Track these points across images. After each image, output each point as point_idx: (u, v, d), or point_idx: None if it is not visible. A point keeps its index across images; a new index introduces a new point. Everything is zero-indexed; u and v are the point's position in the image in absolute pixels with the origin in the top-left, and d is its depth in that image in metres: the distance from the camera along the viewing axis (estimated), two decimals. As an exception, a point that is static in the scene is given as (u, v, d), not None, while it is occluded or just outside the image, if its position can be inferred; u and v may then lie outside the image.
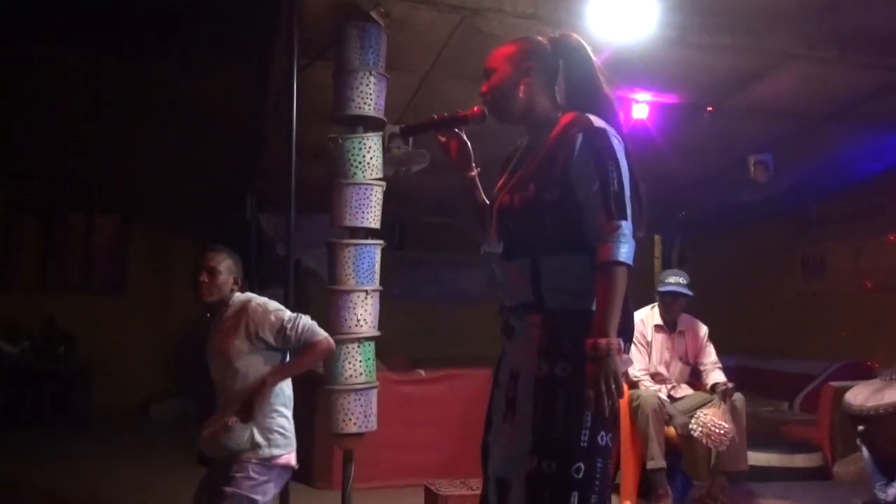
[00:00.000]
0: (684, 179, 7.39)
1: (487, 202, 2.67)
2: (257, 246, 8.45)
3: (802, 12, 4.86)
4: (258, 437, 3.28)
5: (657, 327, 5.50)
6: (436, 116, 2.68)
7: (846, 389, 4.78)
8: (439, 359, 9.11)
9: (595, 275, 2.22)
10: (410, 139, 5.34)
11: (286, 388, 3.49)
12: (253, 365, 3.35)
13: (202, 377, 3.75)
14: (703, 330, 5.58)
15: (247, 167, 8.19)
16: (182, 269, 9.92)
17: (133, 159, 9.44)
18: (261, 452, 3.28)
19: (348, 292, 4.62)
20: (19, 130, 9.02)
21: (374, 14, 4.61)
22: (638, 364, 5.35)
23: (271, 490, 3.33)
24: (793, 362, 8.03)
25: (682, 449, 5.29)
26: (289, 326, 3.38)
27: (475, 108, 2.63)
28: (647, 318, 5.51)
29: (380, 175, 4.71)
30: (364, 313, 4.64)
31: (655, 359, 5.47)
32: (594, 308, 2.22)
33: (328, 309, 4.67)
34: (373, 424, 4.71)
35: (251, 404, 3.20)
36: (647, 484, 5.15)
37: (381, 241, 4.76)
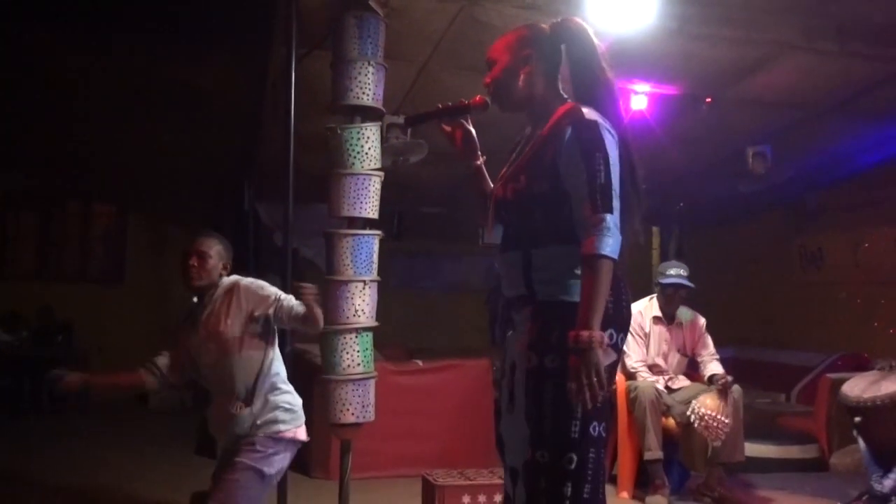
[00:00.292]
0: (682, 171, 7.39)
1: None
2: (255, 235, 8.44)
3: (801, 3, 4.85)
4: (264, 416, 3.31)
5: (655, 319, 5.51)
6: (440, 106, 2.71)
7: (843, 381, 4.78)
8: (437, 349, 9.14)
9: (582, 267, 2.22)
10: (409, 130, 5.33)
11: (281, 365, 3.52)
12: (247, 347, 3.36)
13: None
14: (701, 322, 5.58)
15: (245, 156, 8.17)
16: (180, 257, 9.90)
17: (131, 148, 9.40)
18: (267, 430, 3.31)
19: (346, 282, 4.62)
20: (16, 119, 8.99)
21: (372, 3, 4.59)
22: (636, 355, 5.35)
23: (279, 462, 3.35)
24: (790, 354, 8.04)
25: (680, 440, 5.29)
26: (281, 299, 3.44)
27: (477, 97, 2.66)
28: (645, 309, 5.52)
29: (378, 165, 4.71)
30: (362, 304, 4.64)
31: (653, 350, 5.47)
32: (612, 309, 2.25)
33: (326, 299, 4.67)
34: (370, 415, 4.71)
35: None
36: (644, 475, 5.17)
37: (379, 232, 4.76)
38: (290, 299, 3.45)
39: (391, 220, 9.52)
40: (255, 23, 5.80)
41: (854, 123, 6.58)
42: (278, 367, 3.46)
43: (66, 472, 6.49)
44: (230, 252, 3.60)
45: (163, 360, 3.53)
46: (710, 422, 4.70)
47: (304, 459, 5.99)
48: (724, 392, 4.95)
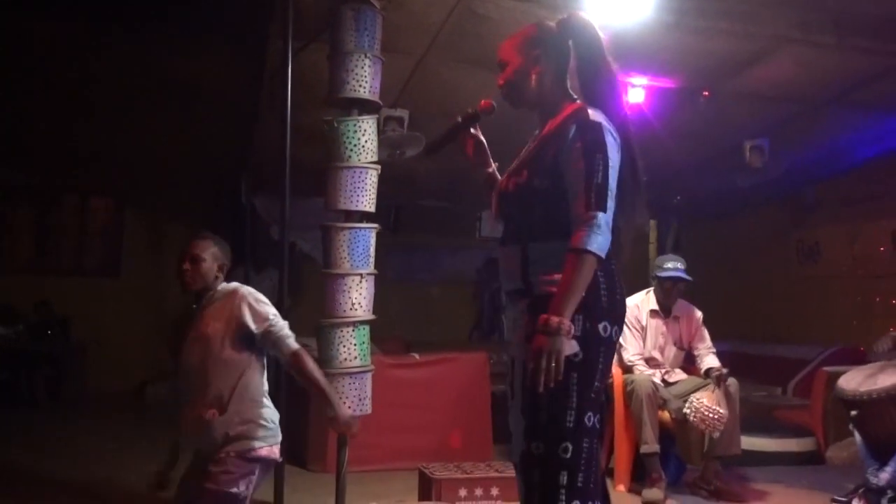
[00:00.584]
0: (680, 164, 7.38)
1: None
2: (252, 229, 8.43)
3: (800, -4, 4.85)
4: (237, 429, 3.15)
5: (652, 312, 5.50)
6: (452, 124, 2.85)
7: (839, 374, 4.79)
8: (434, 342, 9.14)
9: (565, 257, 2.27)
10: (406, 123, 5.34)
11: (263, 379, 3.37)
12: (230, 353, 3.22)
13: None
14: (698, 315, 5.58)
15: (241, 150, 8.16)
16: (176, 251, 9.87)
17: (128, 142, 9.39)
18: (240, 444, 3.14)
19: (343, 276, 4.62)
20: (14, 113, 8.97)
21: (370, -5, 4.59)
22: (632, 349, 5.35)
23: (251, 483, 3.18)
24: (786, 347, 8.06)
25: (676, 433, 5.30)
26: (273, 323, 3.27)
27: (483, 102, 2.76)
28: (641, 303, 5.51)
29: (375, 158, 4.70)
30: (359, 297, 4.64)
31: (650, 344, 5.47)
32: (582, 295, 2.26)
33: (323, 292, 4.67)
34: (367, 408, 4.72)
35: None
36: (640, 468, 5.17)
37: (376, 225, 4.75)
38: (283, 328, 3.29)
39: (388, 213, 9.52)
40: (251, 15, 5.78)
41: (851, 117, 6.58)
42: (259, 380, 3.30)
43: (63, 464, 6.49)
44: (227, 253, 3.51)
45: None
46: (707, 414, 4.70)
47: (301, 452, 5.99)
48: (720, 385, 4.95)
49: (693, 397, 4.89)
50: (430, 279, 11.09)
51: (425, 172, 7.53)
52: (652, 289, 5.59)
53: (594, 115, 2.37)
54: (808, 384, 6.94)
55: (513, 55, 2.59)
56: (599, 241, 2.23)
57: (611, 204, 2.28)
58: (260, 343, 3.28)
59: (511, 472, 4.33)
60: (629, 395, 5.17)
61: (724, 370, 5.09)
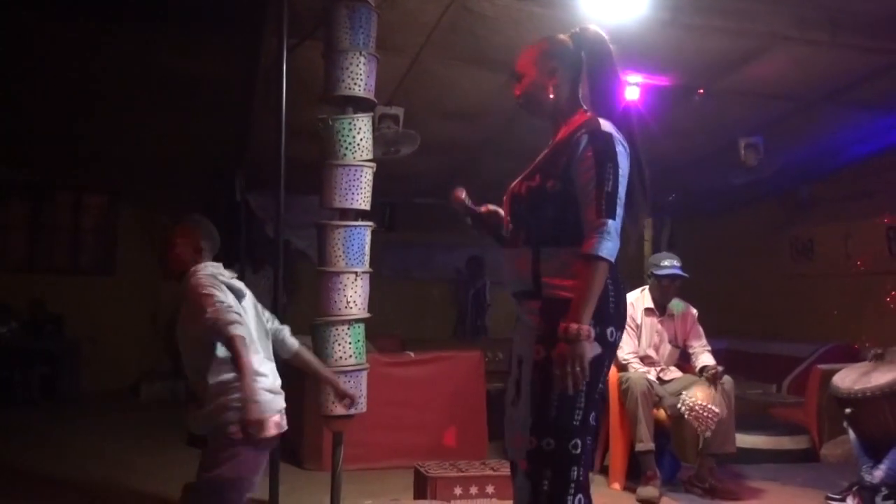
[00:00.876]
0: (674, 162, 7.39)
1: None
2: (247, 226, 8.42)
3: (795, -6, 4.85)
4: (218, 420, 3.09)
5: (647, 310, 5.50)
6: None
7: (834, 372, 4.80)
8: (429, 340, 9.14)
9: (578, 264, 2.37)
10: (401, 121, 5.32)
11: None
12: (196, 334, 3.14)
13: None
14: (693, 313, 5.58)
15: (236, 147, 8.15)
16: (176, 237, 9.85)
17: (122, 138, 9.35)
18: (222, 426, 3.07)
19: (338, 274, 4.61)
20: (8, 109, 8.94)
21: (364, -7, 4.58)
22: (627, 347, 5.35)
23: (239, 465, 3.09)
24: (781, 345, 8.07)
25: (671, 431, 5.31)
26: (209, 311, 3.02)
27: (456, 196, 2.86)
28: (636, 301, 5.51)
29: (370, 156, 4.69)
30: (354, 295, 4.63)
31: (645, 342, 5.47)
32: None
33: (318, 291, 4.66)
34: (362, 406, 4.71)
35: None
36: (635, 466, 5.17)
37: (371, 223, 4.75)
38: (225, 312, 3.02)
39: (383, 210, 9.51)
40: (246, 13, 5.76)
41: (845, 115, 6.59)
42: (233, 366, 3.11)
43: (59, 462, 6.47)
44: (204, 234, 3.41)
45: None
46: (701, 412, 4.71)
47: (297, 451, 5.99)
48: (714, 382, 4.95)
49: (686, 394, 4.89)
50: (426, 277, 11.08)
51: (420, 170, 7.52)
52: (647, 287, 5.58)
53: (605, 125, 2.48)
54: (802, 382, 6.95)
55: (530, 68, 2.68)
56: (609, 247, 2.34)
57: (620, 211, 2.38)
58: (195, 319, 3.13)
59: (506, 471, 4.34)
60: (624, 393, 5.17)
61: (719, 368, 5.09)
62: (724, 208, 9.45)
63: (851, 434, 4.53)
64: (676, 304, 5.58)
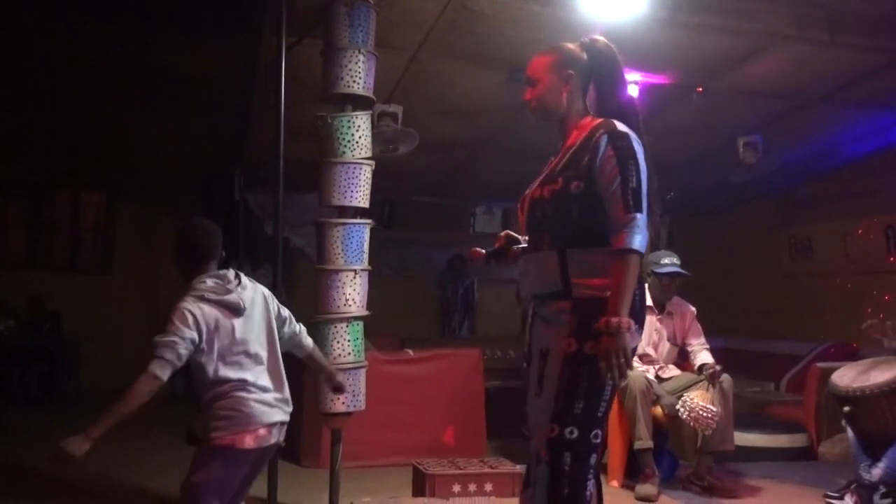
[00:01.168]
0: (673, 160, 7.38)
1: None
2: (246, 224, 8.41)
3: (794, -7, 4.86)
4: (209, 426, 3.14)
5: (647, 308, 5.49)
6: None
7: (832, 370, 4.79)
8: (428, 338, 9.14)
9: (610, 260, 2.45)
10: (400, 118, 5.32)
11: (225, 369, 3.19)
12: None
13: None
14: (692, 311, 5.58)
15: (235, 145, 8.15)
16: (169, 247, 9.88)
17: (121, 137, 9.38)
18: (209, 435, 3.13)
19: (337, 272, 4.61)
20: (5, 107, 8.94)
21: (363, -9, 4.58)
22: (626, 345, 5.34)
23: (214, 472, 3.12)
24: (779, 343, 8.07)
25: (669, 429, 5.31)
26: (168, 327, 3.11)
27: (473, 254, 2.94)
28: (635, 299, 5.50)
29: (369, 154, 4.69)
30: (353, 293, 4.63)
31: (644, 340, 5.45)
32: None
33: (316, 289, 4.66)
34: (361, 404, 4.71)
35: None
36: (634, 464, 5.18)
37: (369, 221, 4.75)
38: (159, 339, 3.10)
39: (382, 208, 9.51)
40: (245, 11, 5.77)
41: (844, 114, 6.59)
42: (227, 374, 3.15)
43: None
44: (194, 244, 3.40)
45: None
46: (701, 413, 4.71)
47: (295, 449, 5.99)
48: (713, 381, 4.96)
49: (687, 396, 4.90)
50: (425, 275, 11.07)
51: (419, 168, 7.52)
52: (646, 285, 5.57)
53: (621, 126, 2.56)
54: (800, 380, 6.95)
55: (545, 74, 2.73)
56: (640, 240, 2.42)
57: (645, 203, 2.47)
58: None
59: (505, 468, 4.35)
60: (623, 391, 5.16)
61: (718, 367, 5.09)
62: (722, 207, 9.45)
63: (850, 432, 4.53)
64: (675, 303, 5.58)
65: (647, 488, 4.93)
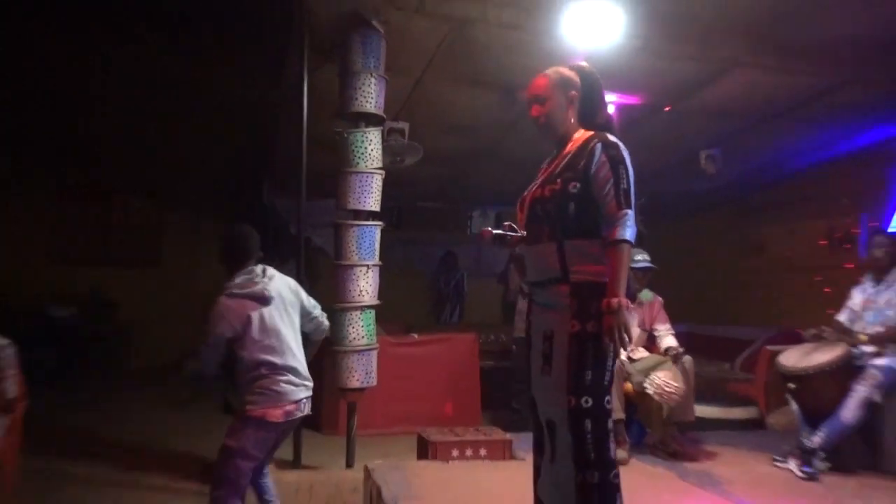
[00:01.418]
0: (644, 170, 7.30)
1: None
2: (273, 226, 8.40)
3: (749, 25, 4.83)
4: (243, 399, 3.23)
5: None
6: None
7: (779, 353, 4.78)
8: (431, 324, 9.13)
9: (606, 250, 2.50)
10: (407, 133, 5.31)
11: (260, 354, 3.24)
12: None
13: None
14: (659, 301, 5.56)
15: (264, 156, 8.15)
16: (209, 243, 9.90)
17: (168, 150, 9.40)
18: (244, 408, 3.21)
19: (352, 266, 4.61)
20: (74, 127, 8.98)
21: (375, 23, 4.57)
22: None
23: (247, 438, 3.19)
24: (734, 329, 8.04)
25: (638, 403, 5.27)
26: (207, 330, 3.28)
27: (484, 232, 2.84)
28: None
29: (380, 165, 4.69)
30: (366, 285, 4.64)
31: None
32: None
33: (335, 281, 4.66)
34: (373, 380, 4.72)
35: None
36: (608, 432, 5.14)
37: (380, 223, 4.75)
38: (204, 346, 3.27)
39: (391, 212, 9.48)
40: (273, 40, 5.76)
41: (792, 130, 6.57)
42: (253, 355, 3.22)
43: (114, 426, 6.49)
44: (225, 251, 3.44)
45: None
46: (665, 389, 4.69)
47: (316, 418, 5.98)
48: (676, 362, 4.94)
49: (654, 374, 4.88)
50: (428, 269, 11.05)
51: (423, 177, 7.50)
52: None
53: (611, 136, 2.60)
54: (752, 361, 6.94)
55: (554, 93, 2.72)
56: (631, 232, 2.47)
57: (633, 201, 2.51)
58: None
59: (497, 435, 4.34)
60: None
61: (681, 349, 5.07)
62: (687, 211, 9.42)
63: (794, 405, 4.53)
64: (645, 294, 5.56)
65: (619, 453, 4.87)
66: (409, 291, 10.34)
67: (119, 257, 10.72)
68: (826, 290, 7.19)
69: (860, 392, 4.19)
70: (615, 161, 2.53)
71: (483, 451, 4.23)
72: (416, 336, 6.79)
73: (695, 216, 9.41)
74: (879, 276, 4.52)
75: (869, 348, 4.40)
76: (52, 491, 4.67)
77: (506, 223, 2.84)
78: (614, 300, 2.41)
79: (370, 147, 4.63)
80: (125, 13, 7.55)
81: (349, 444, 4.75)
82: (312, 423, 5.90)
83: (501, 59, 5.08)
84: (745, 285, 8.68)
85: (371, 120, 4.66)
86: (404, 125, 5.85)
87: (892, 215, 6.76)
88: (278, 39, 5.37)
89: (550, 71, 2.77)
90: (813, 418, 4.33)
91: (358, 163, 4.60)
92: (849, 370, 4.31)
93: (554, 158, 2.74)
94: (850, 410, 4.17)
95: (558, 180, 2.60)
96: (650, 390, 4.78)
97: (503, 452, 4.27)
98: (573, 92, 2.72)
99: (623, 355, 5.27)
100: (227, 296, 3.24)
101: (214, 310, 3.20)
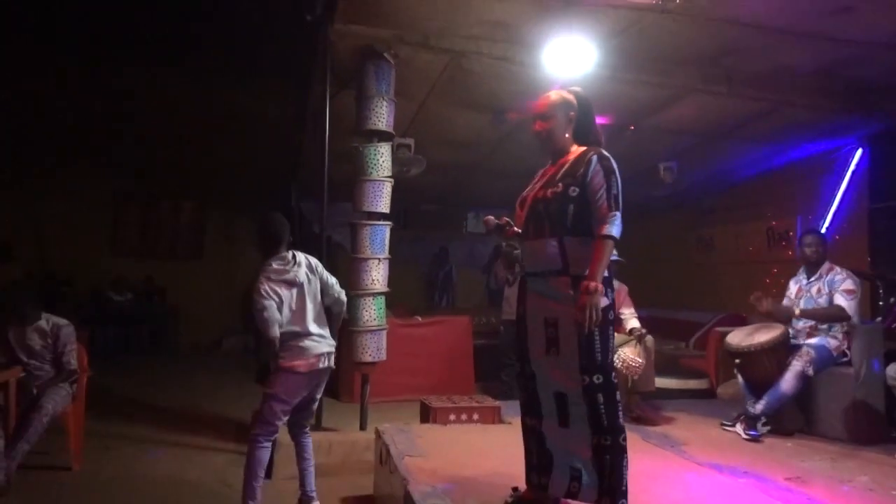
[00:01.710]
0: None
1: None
2: (299, 225, 8.40)
3: (700, 57, 4.82)
4: (278, 354, 3.29)
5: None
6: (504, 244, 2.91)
7: (727, 333, 4.79)
8: (432, 308, 9.13)
9: (595, 242, 2.47)
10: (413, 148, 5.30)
11: (292, 315, 3.33)
12: None
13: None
14: (625, 288, 5.55)
15: (291, 167, 8.15)
16: (244, 240, 9.93)
17: (210, 162, 9.40)
18: (278, 362, 3.29)
19: (366, 259, 4.61)
20: (128, 141, 8.98)
21: (386, 55, 4.56)
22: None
23: (279, 384, 3.30)
24: (689, 313, 8.05)
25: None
26: (255, 300, 3.26)
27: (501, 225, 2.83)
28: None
29: (389, 174, 4.69)
30: (377, 275, 4.64)
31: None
32: (606, 274, 2.48)
33: (350, 272, 4.66)
34: (383, 356, 4.72)
35: None
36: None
37: (390, 223, 4.74)
38: (260, 314, 3.22)
39: (399, 214, 9.45)
40: (299, 69, 5.76)
41: (738, 146, 6.57)
42: (289, 328, 3.31)
43: (163, 394, 6.50)
44: (261, 235, 3.45)
45: None
46: (630, 363, 4.70)
47: (335, 388, 6.00)
48: (640, 341, 4.94)
49: (620, 351, 4.88)
50: (430, 263, 11.04)
51: (426, 185, 7.50)
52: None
53: (604, 151, 2.60)
54: (704, 340, 6.95)
55: (558, 112, 2.69)
56: (617, 230, 2.47)
57: (620, 204, 2.53)
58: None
59: (488, 403, 4.35)
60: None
61: (643, 330, 5.07)
62: (648, 214, 9.42)
63: (739, 378, 4.54)
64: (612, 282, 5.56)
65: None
66: (413, 280, 10.35)
67: (168, 251, 10.75)
68: (766, 280, 7.20)
69: (796, 366, 4.20)
70: (608, 171, 2.53)
71: (476, 416, 4.24)
72: (419, 318, 6.80)
73: (655, 218, 9.41)
74: (812, 270, 4.52)
75: (804, 326, 4.41)
76: (112, 449, 4.69)
77: (504, 218, 2.81)
78: (592, 283, 2.38)
79: (381, 159, 4.63)
80: (176, 47, 7.58)
81: (362, 410, 4.76)
82: (332, 392, 5.91)
83: (493, 85, 5.08)
84: (697, 276, 8.69)
85: (382, 136, 4.66)
86: (410, 141, 5.85)
87: (823, 217, 6.78)
88: (304, 69, 5.37)
89: (553, 93, 2.73)
90: (756, 389, 4.34)
91: (371, 172, 4.60)
92: (786, 348, 4.32)
93: (552, 166, 2.70)
94: (787, 382, 4.18)
95: (560, 184, 2.57)
96: (617, 364, 4.78)
97: (493, 417, 4.28)
98: (572, 112, 2.69)
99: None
100: (267, 279, 3.28)
101: (259, 288, 3.23)
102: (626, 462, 2.48)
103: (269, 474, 3.73)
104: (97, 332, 8.38)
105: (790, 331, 4.42)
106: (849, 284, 4.30)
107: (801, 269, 4.64)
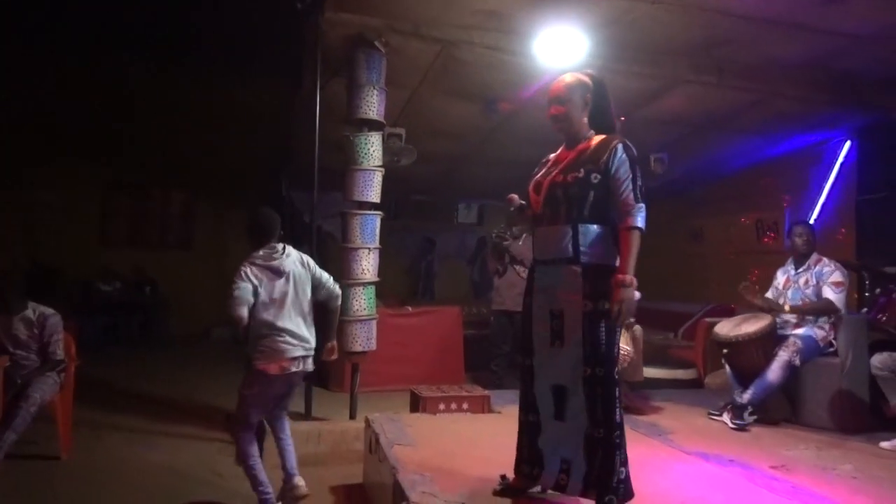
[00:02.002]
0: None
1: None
2: (290, 215, 8.37)
3: (691, 48, 4.83)
4: (251, 354, 3.26)
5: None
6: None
7: (715, 324, 4.82)
8: (421, 299, 9.14)
9: (621, 234, 2.47)
10: (404, 137, 5.29)
11: (268, 318, 3.24)
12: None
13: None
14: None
15: (282, 156, 8.12)
16: (234, 231, 9.87)
17: (200, 150, 9.34)
18: (252, 363, 3.26)
19: (356, 249, 4.61)
20: (121, 131, 8.92)
21: (377, 44, 4.54)
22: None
23: (254, 386, 3.26)
24: (678, 304, 8.07)
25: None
26: (232, 286, 3.23)
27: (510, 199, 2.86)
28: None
29: (380, 164, 4.68)
30: (367, 265, 4.63)
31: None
32: (617, 264, 2.46)
33: (341, 262, 4.65)
34: (373, 345, 4.73)
35: None
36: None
37: (380, 213, 4.74)
38: (231, 299, 3.18)
39: (390, 204, 9.45)
40: (289, 58, 5.72)
41: (728, 138, 6.59)
42: (265, 318, 3.22)
43: (151, 383, 6.48)
44: (249, 227, 3.42)
45: None
46: (619, 352, 4.72)
47: (325, 377, 5.99)
48: (628, 330, 4.96)
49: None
50: (419, 253, 11.05)
51: (416, 175, 7.47)
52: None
53: (627, 140, 2.55)
54: (692, 330, 6.98)
55: (576, 95, 2.64)
56: (643, 221, 2.48)
57: (642, 195, 2.50)
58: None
59: (477, 392, 4.36)
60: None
61: (632, 319, 5.08)
62: (638, 205, 9.45)
63: (727, 368, 4.57)
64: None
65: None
66: (402, 270, 10.36)
67: (157, 241, 10.68)
68: (755, 271, 7.24)
69: (783, 356, 4.23)
70: (633, 161, 2.50)
71: (465, 405, 4.26)
72: (409, 308, 6.80)
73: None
74: (800, 261, 4.55)
75: (791, 317, 4.44)
76: (100, 439, 4.67)
77: (522, 201, 2.80)
78: (627, 276, 2.38)
79: (372, 149, 4.62)
80: (167, 39, 7.52)
81: (352, 399, 4.77)
82: (321, 381, 5.91)
83: (484, 75, 5.06)
84: (687, 267, 8.72)
85: (373, 126, 4.64)
86: (401, 130, 5.82)
87: (811, 209, 6.82)
88: (295, 58, 5.34)
89: (568, 75, 2.68)
90: (743, 379, 4.37)
91: (362, 162, 4.58)
92: (773, 338, 4.35)
93: (569, 151, 2.65)
94: (774, 372, 4.21)
95: (581, 170, 2.52)
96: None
97: (482, 406, 4.29)
98: (588, 95, 2.64)
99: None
100: (250, 263, 3.26)
101: (239, 270, 3.22)
102: (622, 459, 2.43)
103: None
104: (86, 322, 8.31)
105: (777, 321, 4.45)
106: (837, 276, 4.33)
107: (790, 260, 4.66)
